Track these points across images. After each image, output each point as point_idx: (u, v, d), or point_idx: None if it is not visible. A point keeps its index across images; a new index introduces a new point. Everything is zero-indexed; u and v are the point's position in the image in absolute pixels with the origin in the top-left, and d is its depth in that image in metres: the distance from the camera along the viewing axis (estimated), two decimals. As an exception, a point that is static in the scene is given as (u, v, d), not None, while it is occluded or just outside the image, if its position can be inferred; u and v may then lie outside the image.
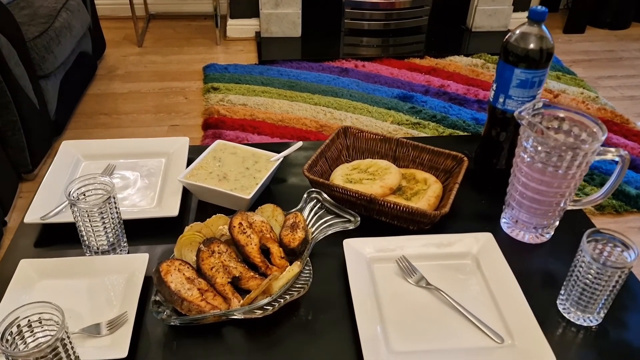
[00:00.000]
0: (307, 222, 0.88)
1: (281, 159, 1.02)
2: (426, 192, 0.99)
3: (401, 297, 0.83)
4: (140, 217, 1.01)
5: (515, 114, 0.91)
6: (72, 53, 2.40)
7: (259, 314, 0.78)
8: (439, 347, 0.74)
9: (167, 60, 3.28)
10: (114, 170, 1.14)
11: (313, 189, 0.91)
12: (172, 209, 1.02)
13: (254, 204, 0.93)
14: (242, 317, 0.79)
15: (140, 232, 0.93)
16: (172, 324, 0.76)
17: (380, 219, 0.96)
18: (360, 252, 0.85)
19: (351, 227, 0.86)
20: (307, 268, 0.87)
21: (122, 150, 1.20)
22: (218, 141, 1.17)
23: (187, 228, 0.93)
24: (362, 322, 0.77)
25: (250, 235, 0.91)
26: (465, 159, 1.08)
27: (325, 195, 0.92)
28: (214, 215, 0.95)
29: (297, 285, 0.79)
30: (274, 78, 2.91)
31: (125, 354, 0.70)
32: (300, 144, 1.16)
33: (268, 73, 2.98)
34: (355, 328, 0.74)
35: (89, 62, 2.91)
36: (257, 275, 0.86)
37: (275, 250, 0.91)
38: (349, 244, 0.85)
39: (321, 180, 0.97)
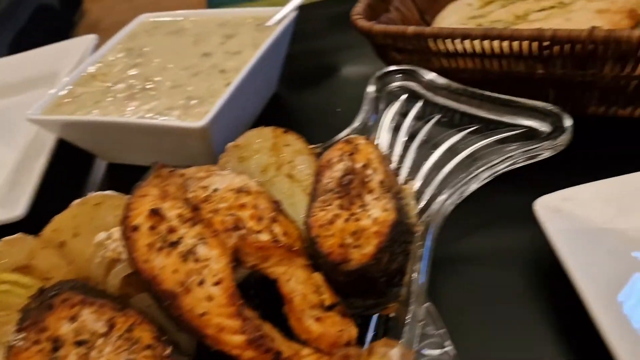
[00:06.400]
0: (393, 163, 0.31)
1: (291, 18, 0.33)
2: None
3: None
4: None
5: None
6: (20, 4, 1.71)
7: None
8: None
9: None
10: None
11: (393, 68, 0.38)
12: (12, 205, 0.36)
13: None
14: None
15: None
16: None
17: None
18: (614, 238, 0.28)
19: (548, 154, 0.32)
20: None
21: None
22: (141, 17, 0.48)
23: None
24: None
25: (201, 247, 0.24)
26: None
27: (430, 75, 0.36)
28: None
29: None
30: None
31: None
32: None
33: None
34: None
35: (56, 17, 2.27)
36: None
37: (304, 286, 0.25)
38: (573, 218, 0.30)
39: (428, 29, 0.30)
